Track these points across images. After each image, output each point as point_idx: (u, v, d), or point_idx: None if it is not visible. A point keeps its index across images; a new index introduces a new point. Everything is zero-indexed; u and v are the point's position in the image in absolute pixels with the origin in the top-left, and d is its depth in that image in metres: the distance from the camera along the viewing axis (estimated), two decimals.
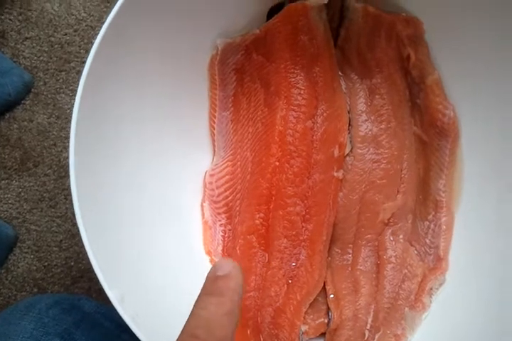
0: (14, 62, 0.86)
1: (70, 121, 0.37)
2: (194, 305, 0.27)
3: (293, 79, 0.46)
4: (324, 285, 0.46)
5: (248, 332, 0.44)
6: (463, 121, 0.46)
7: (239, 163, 0.48)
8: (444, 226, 0.46)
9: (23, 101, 0.86)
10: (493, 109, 0.45)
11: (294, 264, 0.45)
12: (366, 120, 0.47)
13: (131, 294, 0.37)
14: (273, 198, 0.46)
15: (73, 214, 0.36)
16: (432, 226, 0.47)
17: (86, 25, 0.86)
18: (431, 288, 0.45)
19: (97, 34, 0.38)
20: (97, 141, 0.39)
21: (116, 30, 0.38)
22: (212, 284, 0.27)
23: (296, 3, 0.44)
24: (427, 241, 0.46)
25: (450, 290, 0.45)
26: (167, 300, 0.41)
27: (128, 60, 0.41)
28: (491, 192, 0.45)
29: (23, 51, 0.86)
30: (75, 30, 0.86)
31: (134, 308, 0.36)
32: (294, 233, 0.45)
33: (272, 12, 0.46)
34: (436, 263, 0.46)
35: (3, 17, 0.86)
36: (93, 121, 0.39)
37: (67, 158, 0.37)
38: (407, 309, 0.45)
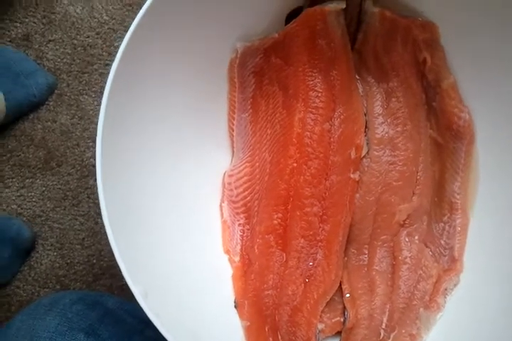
0: (38, 64, 0.88)
1: (92, 122, 0.38)
2: None
3: (311, 82, 0.47)
4: (340, 284, 0.47)
5: (266, 330, 0.45)
6: (478, 124, 0.46)
7: (257, 164, 0.49)
8: (459, 228, 0.46)
9: (46, 102, 0.88)
10: (508, 112, 0.45)
11: (311, 264, 0.46)
12: (383, 122, 0.48)
13: (155, 291, 0.37)
14: (291, 199, 0.46)
15: (96, 213, 0.37)
16: (446, 227, 0.47)
17: (108, 28, 0.87)
18: (445, 289, 0.45)
19: (119, 37, 0.38)
20: (121, 142, 0.40)
21: (140, 34, 0.39)
22: None
23: (315, 7, 0.45)
24: (442, 242, 0.47)
25: (464, 291, 0.45)
26: (189, 297, 0.42)
27: (151, 63, 0.42)
28: (506, 195, 0.45)
29: (47, 53, 0.88)
30: (98, 33, 0.87)
31: (158, 305, 0.37)
32: (311, 233, 0.46)
33: (291, 16, 0.47)
34: (450, 264, 0.46)
35: (27, 20, 0.88)
36: (117, 122, 0.39)
37: (90, 157, 0.37)
38: (421, 309, 0.45)
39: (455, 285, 0.45)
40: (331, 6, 0.44)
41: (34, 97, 0.86)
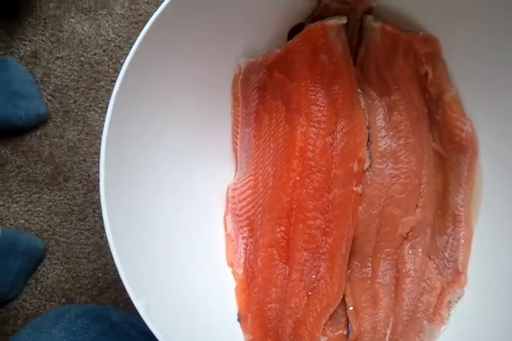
0: (45, 81, 0.89)
1: (99, 138, 0.38)
2: None
3: (313, 97, 0.47)
4: (344, 297, 0.47)
5: None
6: (481, 136, 0.47)
7: (260, 177, 0.49)
8: (463, 241, 0.46)
9: (54, 119, 0.89)
10: (510, 124, 0.45)
11: (314, 277, 0.46)
12: (385, 136, 0.48)
13: (157, 304, 0.38)
14: (294, 212, 0.47)
15: (101, 227, 0.37)
16: (450, 240, 0.47)
17: (114, 46, 0.88)
18: (449, 302, 0.45)
19: (125, 54, 0.39)
20: (125, 156, 0.41)
21: (144, 51, 0.40)
22: None
23: (316, 23, 0.45)
24: (446, 255, 0.47)
25: (468, 304, 0.45)
26: (191, 309, 0.42)
27: (155, 79, 0.42)
28: (509, 207, 0.45)
29: (55, 70, 0.89)
30: (104, 51, 0.89)
31: (160, 317, 0.37)
32: (314, 246, 0.46)
33: (293, 32, 0.47)
34: (454, 276, 0.46)
35: (36, 38, 0.89)
36: (121, 137, 0.40)
37: (96, 172, 0.38)
38: (425, 322, 0.45)
39: (459, 297, 0.45)
40: (332, 22, 0.45)
41: (20, 120, 0.85)
